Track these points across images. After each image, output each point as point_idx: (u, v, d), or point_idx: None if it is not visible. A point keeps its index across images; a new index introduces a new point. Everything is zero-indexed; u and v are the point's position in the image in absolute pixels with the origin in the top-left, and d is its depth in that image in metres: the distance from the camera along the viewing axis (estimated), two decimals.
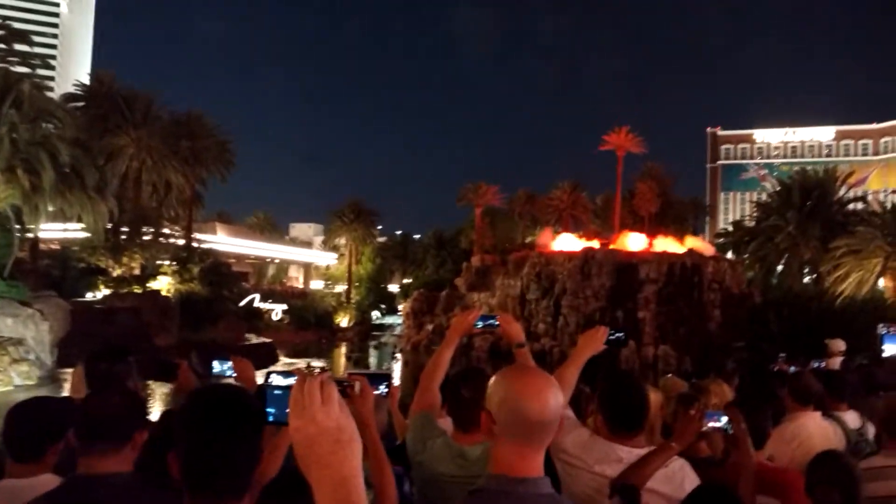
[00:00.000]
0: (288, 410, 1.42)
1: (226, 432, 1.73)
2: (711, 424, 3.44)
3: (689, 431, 3.36)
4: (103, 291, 41.65)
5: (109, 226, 41.17)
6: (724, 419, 3.47)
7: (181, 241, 49.70)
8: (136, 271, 44.89)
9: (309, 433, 1.37)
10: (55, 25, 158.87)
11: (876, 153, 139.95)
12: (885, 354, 3.03)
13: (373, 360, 50.92)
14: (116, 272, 43.60)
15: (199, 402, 1.85)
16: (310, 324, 59.07)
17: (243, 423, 1.75)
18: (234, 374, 4.17)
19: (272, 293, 62.91)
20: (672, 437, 3.39)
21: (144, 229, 45.50)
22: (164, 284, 43.38)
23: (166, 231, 48.29)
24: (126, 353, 3.98)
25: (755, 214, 62.61)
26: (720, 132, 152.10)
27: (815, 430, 4.81)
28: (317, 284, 79.64)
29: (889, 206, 48.97)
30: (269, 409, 1.60)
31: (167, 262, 45.41)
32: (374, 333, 65.33)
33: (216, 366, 4.20)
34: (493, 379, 2.11)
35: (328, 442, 1.37)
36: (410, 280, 74.80)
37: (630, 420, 3.29)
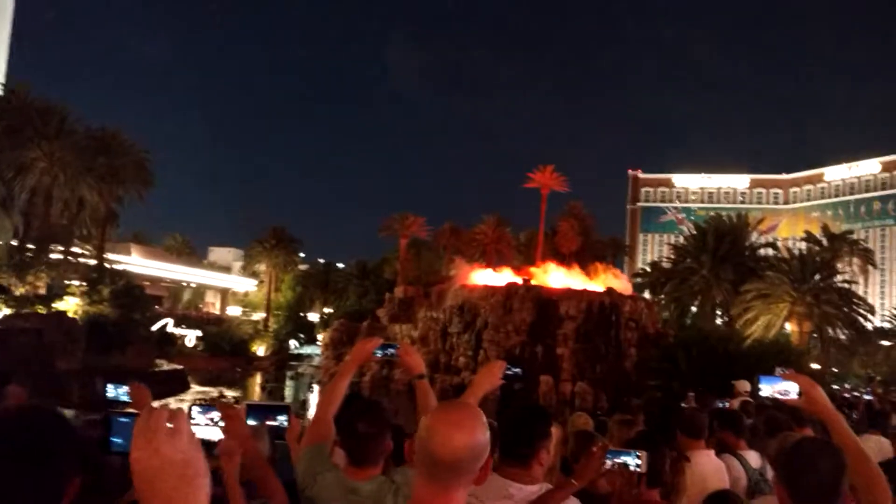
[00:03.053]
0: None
1: (8, 464, 1.53)
2: (615, 461, 3.38)
3: (590, 469, 3.31)
4: (4, 311, 39.57)
5: (14, 242, 39.27)
6: (626, 457, 3.40)
7: (92, 262, 47.82)
8: (42, 291, 42.85)
9: (151, 465, 1.23)
10: None
11: (786, 202, 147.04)
12: (760, 393, 3.09)
13: (289, 390, 49.82)
14: (19, 291, 41.53)
15: None
16: (224, 351, 57.66)
17: (33, 457, 1.54)
18: (129, 400, 4.00)
19: (187, 318, 61.22)
20: (573, 474, 3.35)
21: (53, 247, 43.60)
22: (71, 306, 41.55)
23: (77, 250, 46.40)
24: (7, 380, 3.68)
25: (672, 256, 64.62)
26: (641, 175, 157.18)
27: (709, 468, 4.84)
28: (234, 311, 77.94)
29: (796, 253, 51.22)
30: (114, 439, 1.46)
31: (76, 283, 43.56)
32: (292, 363, 64.21)
33: (110, 390, 4.04)
34: None
35: (172, 477, 1.23)
36: (331, 310, 74.01)
37: (517, 450, 3.22)
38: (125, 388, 3.98)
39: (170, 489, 1.23)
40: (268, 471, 3.24)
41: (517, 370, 3.58)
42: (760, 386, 3.05)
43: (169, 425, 1.26)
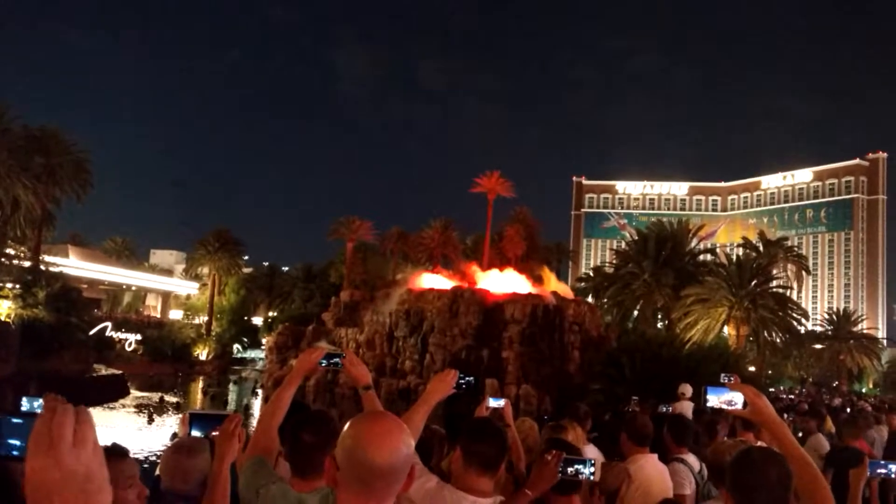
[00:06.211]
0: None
1: None
2: (569, 469, 3.29)
3: (544, 478, 3.22)
4: None
5: None
6: (579, 466, 3.32)
7: (27, 263, 46.28)
8: None
9: (51, 478, 1.11)
10: None
11: (724, 209, 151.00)
12: (707, 404, 3.21)
13: (232, 395, 49.06)
14: None
15: None
16: (166, 355, 56.48)
17: None
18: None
19: (126, 322, 59.76)
20: (526, 483, 3.28)
21: None
22: (3, 309, 40.16)
23: (10, 252, 44.83)
24: None
25: (614, 261, 65.60)
26: (585, 181, 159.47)
27: (654, 473, 4.84)
28: (176, 314, 76.31)
29: (734, 258, 52.52)
30: (11, 441, 1.32)
31: (9, 285, 42.12)
32: (235, 368, 63.28)
33: (25, 403, 3.88)
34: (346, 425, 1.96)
35: (72, 491, 1.12)
36: (276, 313, 73.10)
37: (489, 460, 3.16)
38: (40, 401, 3.78)
39: None
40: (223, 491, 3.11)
41: (469, 379, 3.59)
42: (707, 396, 3.07)
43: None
